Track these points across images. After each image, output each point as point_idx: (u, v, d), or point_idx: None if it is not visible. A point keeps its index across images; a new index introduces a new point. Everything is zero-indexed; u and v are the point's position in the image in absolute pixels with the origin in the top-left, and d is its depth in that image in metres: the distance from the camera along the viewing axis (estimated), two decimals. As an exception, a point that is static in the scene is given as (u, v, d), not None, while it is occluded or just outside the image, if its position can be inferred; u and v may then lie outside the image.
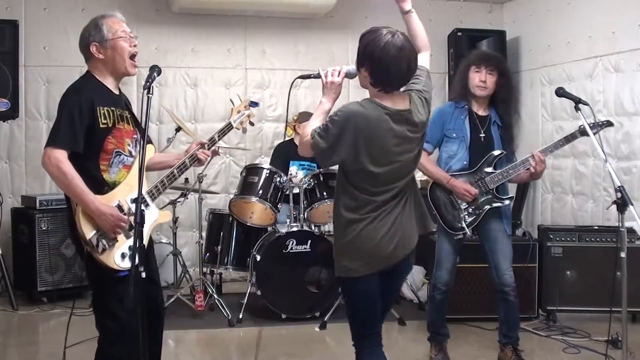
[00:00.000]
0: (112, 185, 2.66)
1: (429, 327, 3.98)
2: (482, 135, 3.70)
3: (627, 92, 4.94)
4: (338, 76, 2.59)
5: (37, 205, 5.06)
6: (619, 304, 3.04)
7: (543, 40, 5.89)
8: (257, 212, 4.87)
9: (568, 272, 4.63)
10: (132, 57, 2.75)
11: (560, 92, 3.38)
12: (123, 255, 2.61)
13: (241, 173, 5.09)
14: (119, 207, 2.62)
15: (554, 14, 5.74)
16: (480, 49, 6.14)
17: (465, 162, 3.71)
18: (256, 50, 6.15)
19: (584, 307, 4.61)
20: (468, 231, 3.70)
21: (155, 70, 2.59)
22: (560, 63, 5.65)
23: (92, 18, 2.74)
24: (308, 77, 2.78)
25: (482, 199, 3.70)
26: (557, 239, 4.65)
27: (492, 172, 3.68)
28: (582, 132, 3.44)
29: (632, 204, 2.91)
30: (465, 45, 6.07)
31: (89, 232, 2.54)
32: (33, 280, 4.98)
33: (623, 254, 2.92)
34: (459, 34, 6.05)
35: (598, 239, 4.59)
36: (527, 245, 4.68)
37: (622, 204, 2.90)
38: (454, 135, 3.72)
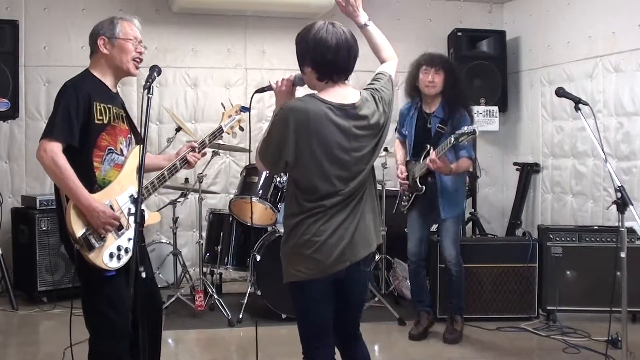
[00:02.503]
0: (102, 184, 2.66)
1: (411, 297, 4.60)
2: (425, 130, 4.18)
3: (627, 92, 4.94)
4: (284, 85, 2.57)
5: (37, 205, 5.06)
6: (619, 304, 3.04)
7: (543, 40, 5.89)
8: (257, 212, 4.87)
9: (568, 272, 4.62)
10: (135, 60, 2.77)
11: (560, 92, 3.39)
12: (111, 255, 2.60)
13: (241, 173, 5.09)
14: (111, 207, 2.62)
15: (554, 14, 5.74)
16: (481, 49, 6.17)
17: (410, 153, 4.30)
18: (256, 50, 6.15)
19: (584, 307, 4.61)
20: (405, 212, 4.39)
21: (155, 70, 2.61)
22: (560, 63, 5.65)
23: (112, 16, 2.79)
24: (263, 90, 2.79)
25: (411, 186, 4.26)
26: (557, 239, 4.64)
27: (416, 163, 4.21)
28: (457, 138, 3.77)
29: (632, 204, 2.92)
30: (465, 45, 6.07)
31: (78, 230, 2.53)
32: (33, 280, 4.98)
33: (623, 254, 2.92)
34: (459, 34, 6.05)
35: (598, 239, 4.59)
36: (527, 245, 4.68)
37: (622, 204, 2.90)
38: (405, 132, 4.35)
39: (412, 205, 4.33)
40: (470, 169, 4.70)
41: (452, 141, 3.80)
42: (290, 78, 2.58)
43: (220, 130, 3.17)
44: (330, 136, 2.38)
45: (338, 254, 2.42)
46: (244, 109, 3.38)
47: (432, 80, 4.08)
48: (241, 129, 3.36)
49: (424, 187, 4.15)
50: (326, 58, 2.39)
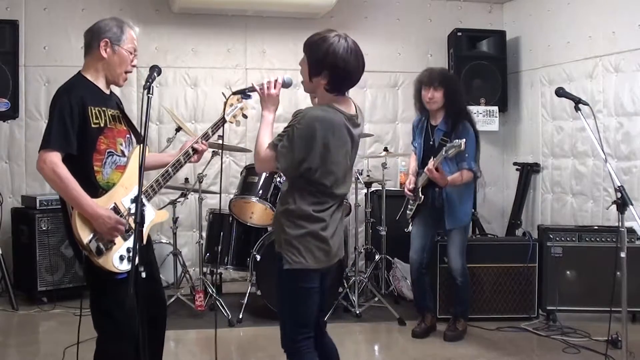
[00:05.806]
0: (106, 187, 2.65)
1: (414, 301, 4.65)
2: (431, 142, 4.35)
3: (627, 92, 4.94)
4: (275, 88, 2.65)
5: (37, 205, 5.05)
6: (619, 304, 3.04)
7: (543, 40, 5.89)
8: (257, 212, 4.87)
9: (568, 272, 4.63)
10: (126, 72, 2.78)
11: (560, 92, 3.39)
12: (121, 258, 2.60)
13: (241, 173, 5.09)
14: (115, 209, 2.61)
15: (554, 14, 5.74)
16: (481, 49, 6.16)
17: (419, 164, 4.43)
18: (256, 50, 6.14)
19: (584, 307, 4.61)
20: (410, 221, 4.49)
21: (155, 70, 2.60)
22: (560, 63, 5.65)
23: (116, 18, 2.78)
24: (243, 92, 2.77)
25: (415, 196, 4.36)
26: (557, 239, 4.65)
27: (419, 174, 4.35)
28: (447, 150, 3.93)
29: (632, 204, 2.92)
30: (465, 45, 6.07)
31: (85, 237, 2.52)
32: (33, 280, 4.97)
33: (623, 254, 2.92)
34: (459, 34, 6.04)
35: (598, 239, 4.59)
36: (527, 245, 4.68)
37: (622, 204, 2.90)
38: (416, 145, 4.52)
39: (417, 213, 4.41)
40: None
41: (442, 154, 3.96)
42: (279, 81, 2.66)
43: (222, 120, 3.04)
44: (347, 144, 2.58)
45: (337, 248, 2.66)
46: (246, 97, 3.26)
47: (432, 97, 4.25)
48: (244, 116, 3.20)
49: (422, 196, 4.29)
50: (349, 77, 2.53)
